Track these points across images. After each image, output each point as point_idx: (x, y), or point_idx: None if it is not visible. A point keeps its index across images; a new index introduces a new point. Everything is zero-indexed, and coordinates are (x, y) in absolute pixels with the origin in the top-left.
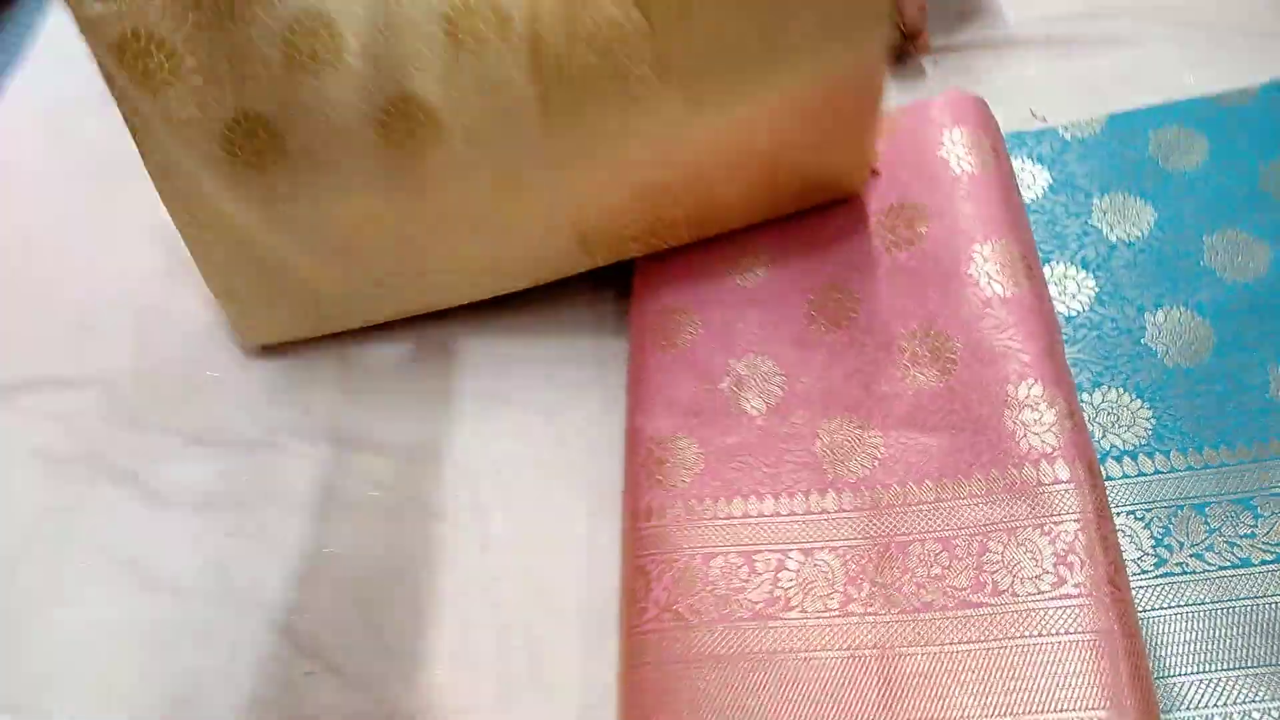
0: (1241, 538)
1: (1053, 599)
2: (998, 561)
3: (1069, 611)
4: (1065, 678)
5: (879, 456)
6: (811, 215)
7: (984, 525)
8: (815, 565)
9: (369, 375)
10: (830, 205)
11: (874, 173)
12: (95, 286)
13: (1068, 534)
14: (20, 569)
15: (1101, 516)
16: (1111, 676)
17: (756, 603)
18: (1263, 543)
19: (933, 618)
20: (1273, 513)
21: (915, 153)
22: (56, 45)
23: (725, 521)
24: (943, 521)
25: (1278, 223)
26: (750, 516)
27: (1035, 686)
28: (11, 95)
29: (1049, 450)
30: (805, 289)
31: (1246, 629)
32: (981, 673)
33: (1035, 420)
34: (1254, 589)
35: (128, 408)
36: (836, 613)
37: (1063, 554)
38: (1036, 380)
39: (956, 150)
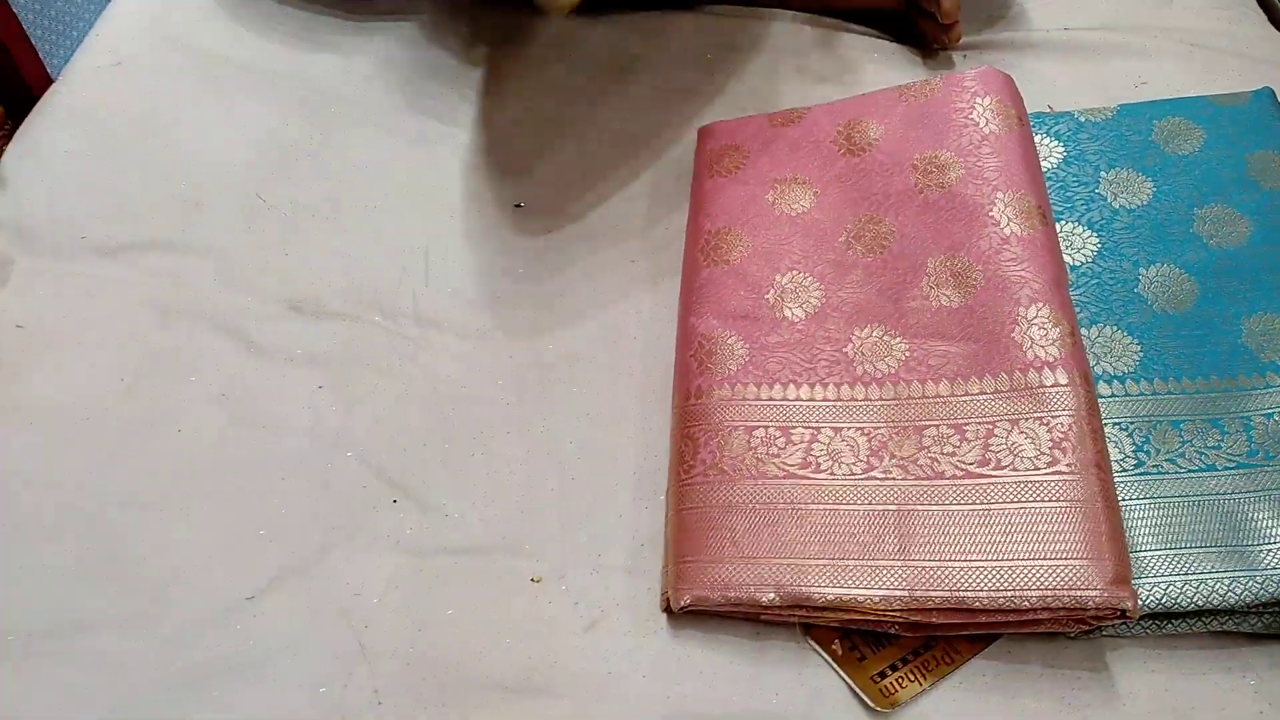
0: (1210, 448)
1: (1047, 474)
2: (1002, 445)
3: (1060, 484)
4: (1055, 534)
5: (903, 358)
6: (852, 158)
7: (991, 416)
8: (843, 440)
9: (447, 269)
10: (871, 150)
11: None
12: (204, 169)
13: (1063, 425)
14: (134, 396)
15: (1092, 414)
16: (1093, 535)
17: (790, 464)
18: (1226, 454)
19: (944, 484)
20: (1236, 431)
21: (950, 113)
22: None
23: (766, 402)
24: (955, 411)
25: (1258, 202)
26: (788, 400)
27: (1029, 539)
28: None
29: (1051, 360)
30: (845, 219)
31: (1205, 517)
32: (984, 528)
33: (1041, 336)
34: (1215, 488)
35: (233, 274)
36: (860, 476)
37: (1058, 440)
38: (1045, 304)
39: (986, 114)
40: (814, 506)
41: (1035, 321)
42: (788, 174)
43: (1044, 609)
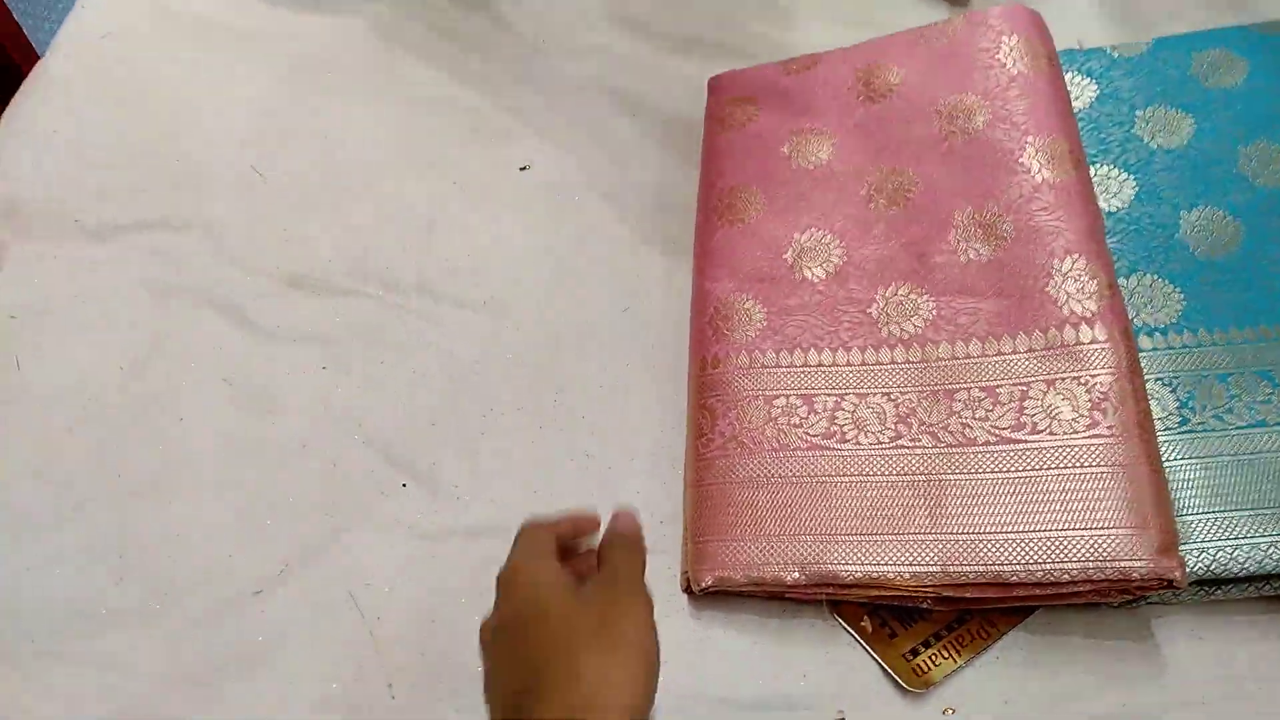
0: (1259, 403)
1: (1088, 437)
2: (1038, 407)
3: (1101, 448)
4: (1096, 502)
5: (930, 318)
6: (872, 105)
7: (1026, 377)
8: (869, 407)
9: (451, 238)
10: (892, 96)
11: None
12: (197, 143)
13: (1103, 385)
14: (134, 382)
15: (1134, 372)
16: (1137, 502)
17: (814, 435)
18: (1278, 408)
19: (976, 451)
20: None
21: (974, 54)
22: None
23: (786, 369)
24: (987, 373)
25: None
26: (810, 366)
27: (1069, 508)
28: None
29: (1089, 315)
30: (866, 171)
31: (1256, 477)
32: (1020, 496)
33: (1078, 289)
34: (1266, 445)
35: (231, 252)
36: (888, 445)
37: (1098, 401)
38: (1080, 255)
39: (1013, 54)
40: (839, 479)
41: (1070, 274)
42: (804, 124)
43: (1085, 581)
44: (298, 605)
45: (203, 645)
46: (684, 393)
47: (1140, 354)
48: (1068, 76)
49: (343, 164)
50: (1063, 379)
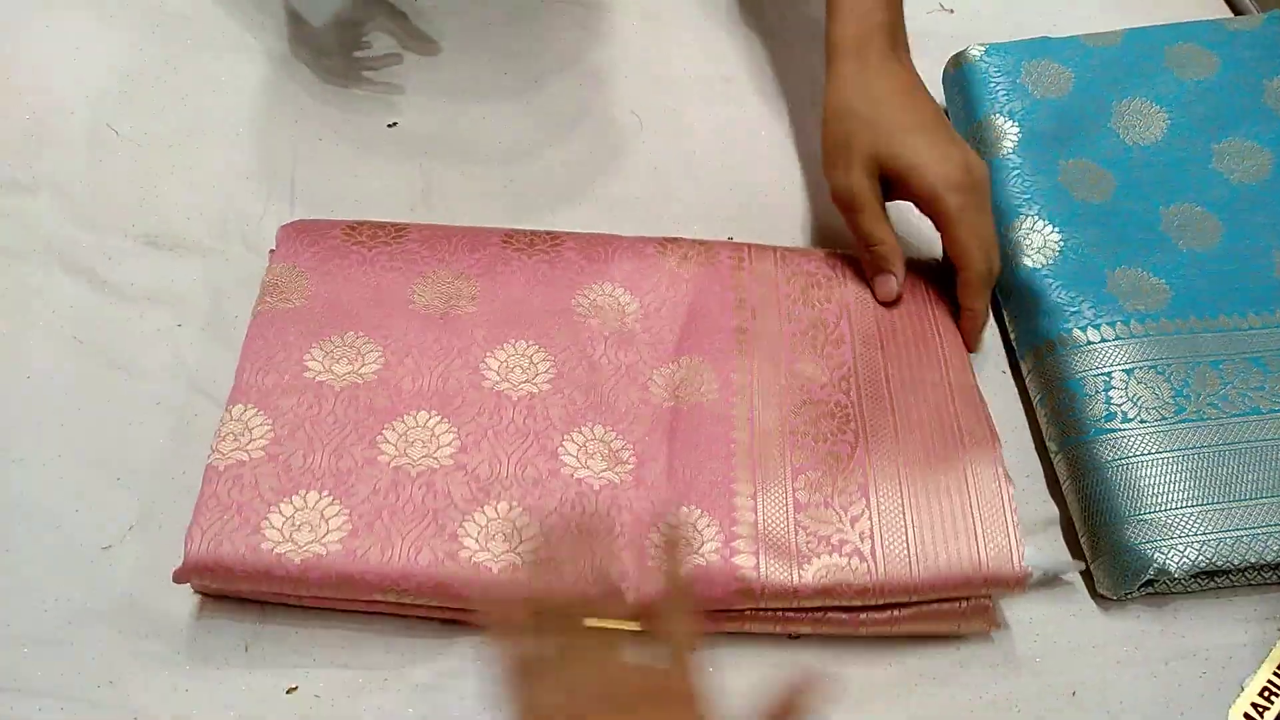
0: (1253, 390)
1: None
2: None
3: None
4: None
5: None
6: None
7: None
8: None
9: (315, 196)
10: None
11: None
12: (49, 101)
13: None
14: None
15: None
16: None
17: None
18: (1271, 394)
19: None
20: None
21: None
22: None
23: None
24: None
25: (1278, 132)
26: None
27: None
28: None
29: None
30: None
31: (1253, 467)
32: None
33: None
34: (1262, 433)
35: (82, 211)
36: None
37: None
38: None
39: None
40: None
41: None
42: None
43: None
44: (146, 563)
45: (49, 599)
46: None
47: (1133, 340)
48: (1042, 65)
49: (203, 119)
50: None
